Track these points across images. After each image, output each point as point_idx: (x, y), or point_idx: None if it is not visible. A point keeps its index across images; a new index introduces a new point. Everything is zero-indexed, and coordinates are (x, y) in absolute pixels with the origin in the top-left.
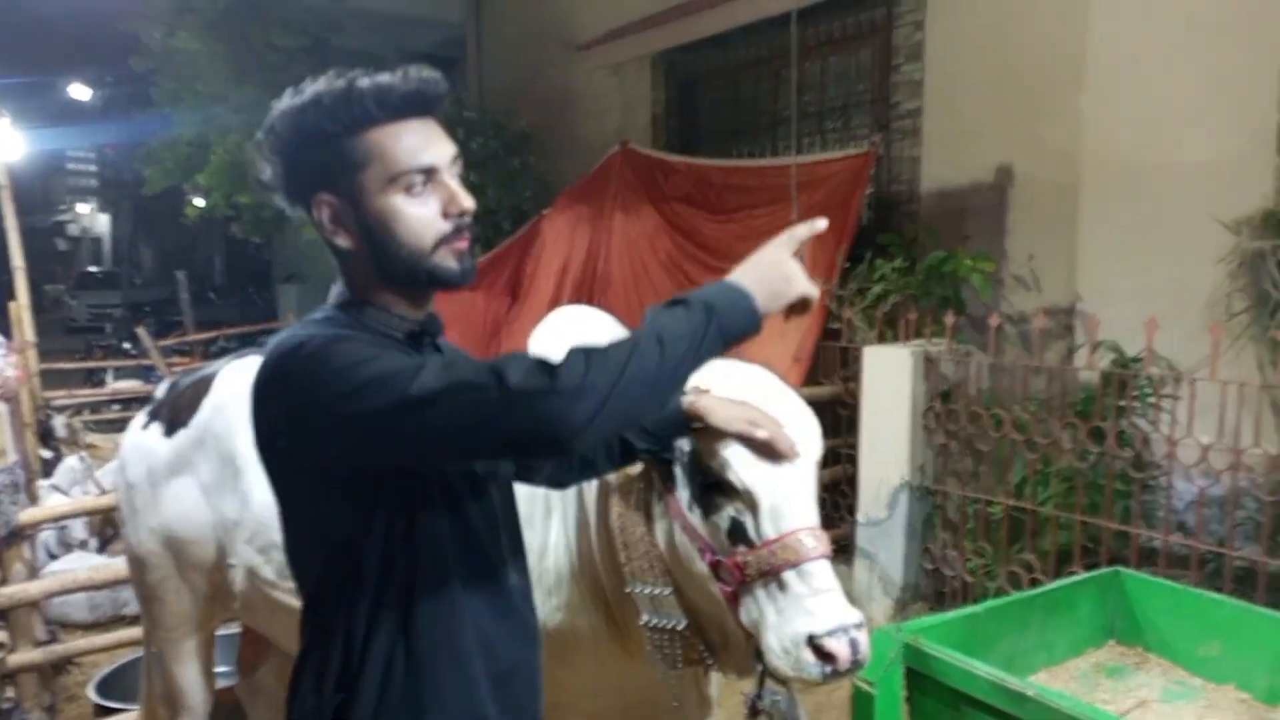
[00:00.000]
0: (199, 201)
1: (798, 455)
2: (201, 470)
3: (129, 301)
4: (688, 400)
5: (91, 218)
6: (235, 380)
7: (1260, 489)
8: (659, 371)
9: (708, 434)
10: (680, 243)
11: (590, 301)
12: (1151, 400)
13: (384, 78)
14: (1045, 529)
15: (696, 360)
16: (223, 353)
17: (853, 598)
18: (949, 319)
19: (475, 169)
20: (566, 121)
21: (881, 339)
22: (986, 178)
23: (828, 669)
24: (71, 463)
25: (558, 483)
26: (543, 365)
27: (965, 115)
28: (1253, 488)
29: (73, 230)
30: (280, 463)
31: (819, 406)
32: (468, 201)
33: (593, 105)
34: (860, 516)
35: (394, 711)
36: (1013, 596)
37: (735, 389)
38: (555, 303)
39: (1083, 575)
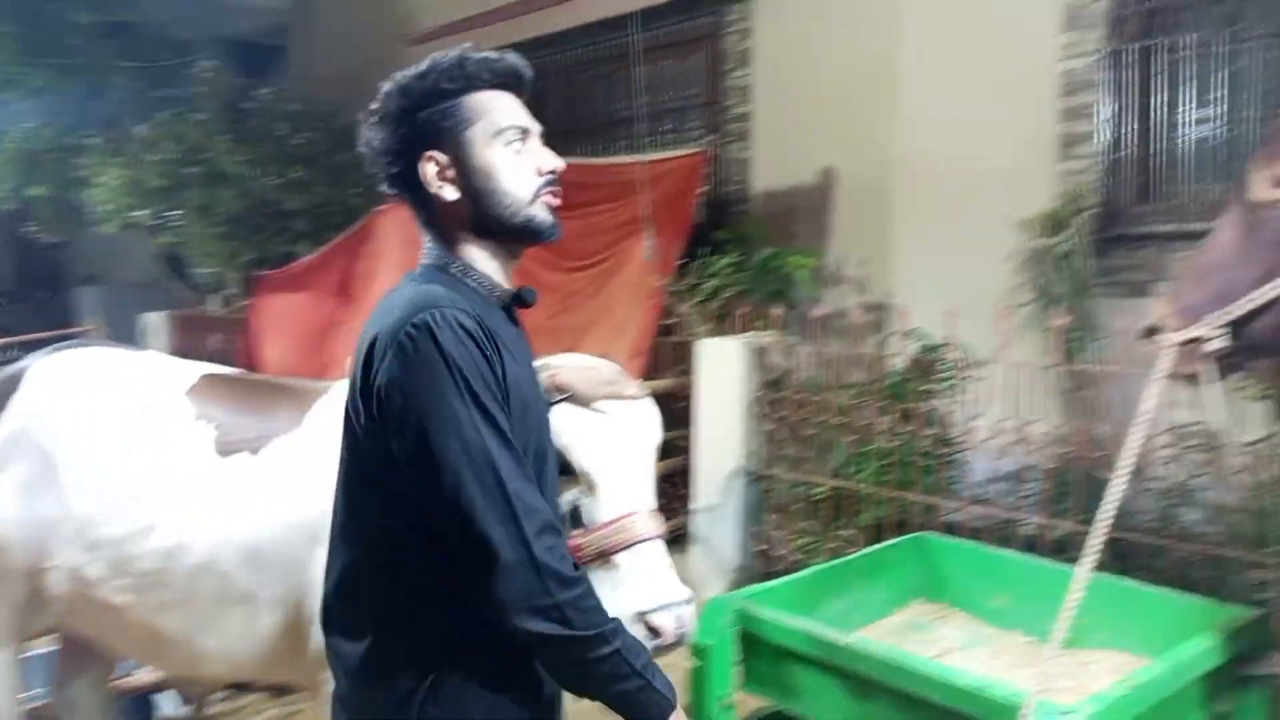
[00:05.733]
0: None
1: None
2: (17, 469)
3: None
4: (547, 375)
5: None
6: (50, 376)
7: (1044, 461)
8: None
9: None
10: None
11: None
12: (953, 383)
13: (490, 53)
14: (864, 505)
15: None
16: (9, 363)
17: (689, 582)
18: (776, 311)
19: (300, 164)
20: None
21: (716, 333)
22: (811, 180)
23: (655, 642)
24: None
25: None
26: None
27: (791, 120)
28: (1038, 460)
29: None
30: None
31: (658, 399)
32: (558, 162)
33: None
34: (696, 504)
35: (485, 682)
36: (833, 562)
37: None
38: None
39: (892, 541)
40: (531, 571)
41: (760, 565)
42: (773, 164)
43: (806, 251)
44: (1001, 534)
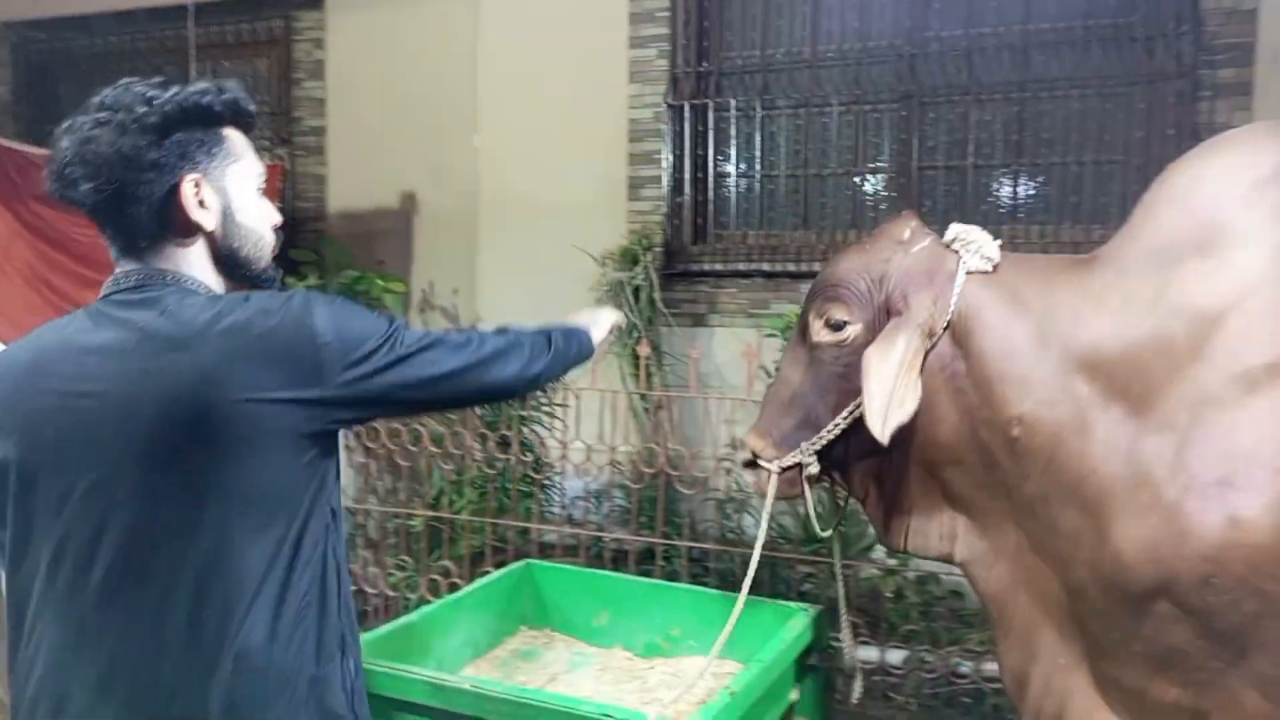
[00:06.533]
0: None
1: None
2: None
3: None
4: None
5: None
6: None
7: (628, 480)
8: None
9: None
10: (44, 251)
11: None
12: (546, 409)
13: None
14: (461, 535)
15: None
16: None
17: None
18: None
19: None
20: None
21: None
22: (393, 203)
23: None
24: None
25: None
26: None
27: (370, 139)
28: (623, 479)
29: None
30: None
31: None
32: (278, 216)
33: None
34: None
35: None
36: (441, 601)
37: None
38: None
39: (499, 572)
40: (518, 346)
41: (355, 604)
42: (351, 183)
43: (392, 276)
44: (593, 551)
